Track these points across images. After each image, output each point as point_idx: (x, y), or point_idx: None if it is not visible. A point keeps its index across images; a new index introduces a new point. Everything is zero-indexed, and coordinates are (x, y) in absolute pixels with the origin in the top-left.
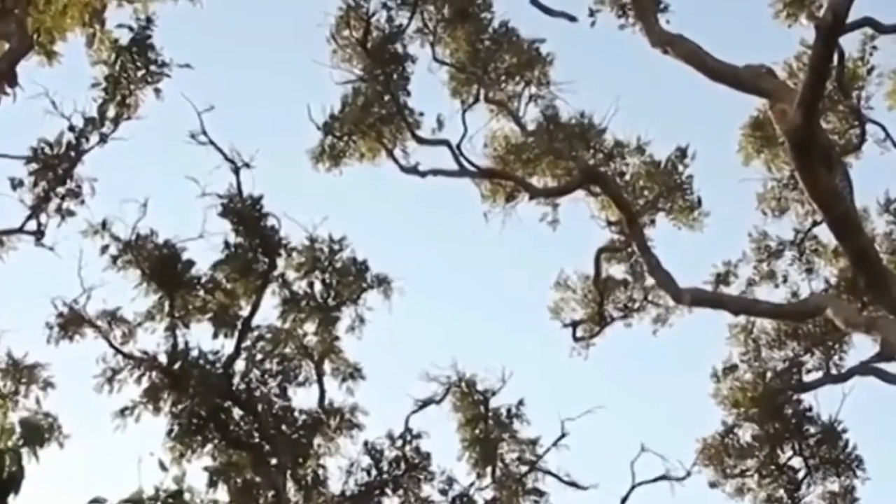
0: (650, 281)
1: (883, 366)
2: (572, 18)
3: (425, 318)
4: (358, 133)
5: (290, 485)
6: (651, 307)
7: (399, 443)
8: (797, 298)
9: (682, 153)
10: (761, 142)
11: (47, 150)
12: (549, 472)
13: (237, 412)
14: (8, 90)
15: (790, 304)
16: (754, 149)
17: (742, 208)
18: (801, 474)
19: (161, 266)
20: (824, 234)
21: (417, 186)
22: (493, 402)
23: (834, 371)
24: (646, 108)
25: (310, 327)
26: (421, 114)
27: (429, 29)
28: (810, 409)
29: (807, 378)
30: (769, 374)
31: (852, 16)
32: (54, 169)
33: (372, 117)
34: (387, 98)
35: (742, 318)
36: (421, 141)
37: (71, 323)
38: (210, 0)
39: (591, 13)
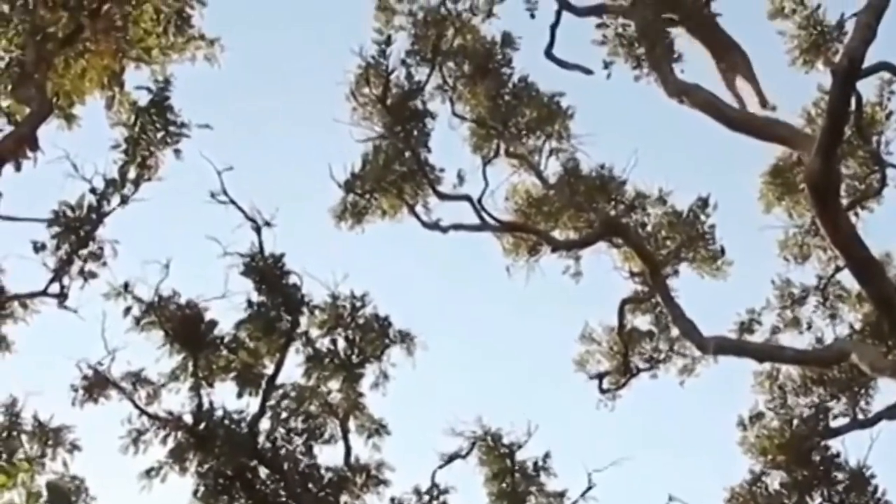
0: (675, 331)
1: None
2: (588, 71)
3: (449, 372)
4: (379, 190)
5: None
6: (676, 357)
7: (426, 498)
8: (822, 344)
9: (703, 203)
10: (782, 189)
11: (69, 212)
12: None
13: (263, 471)
14: (29, 154)
15: (815, 350)
16: (775, 196)
17: (764, 256)
18: None
19: (184, 326)
20: (847, 279)
21: (439, 241)
22: (520, 456)
23: (861, 416)
24: (666, 158)
25: (334, 384)
26: (441, 170)
27: (448, 85)
28: (838, 455)
29: (834, 424)
30: (796, 421)
31: (869, 60)
32: (76, 231)
33: (393, 174)
34: (407, 154)
35: (767, 366)
36: (442, 196)
37: (96, 385)
38: (228, 60)
39: (606, 66)
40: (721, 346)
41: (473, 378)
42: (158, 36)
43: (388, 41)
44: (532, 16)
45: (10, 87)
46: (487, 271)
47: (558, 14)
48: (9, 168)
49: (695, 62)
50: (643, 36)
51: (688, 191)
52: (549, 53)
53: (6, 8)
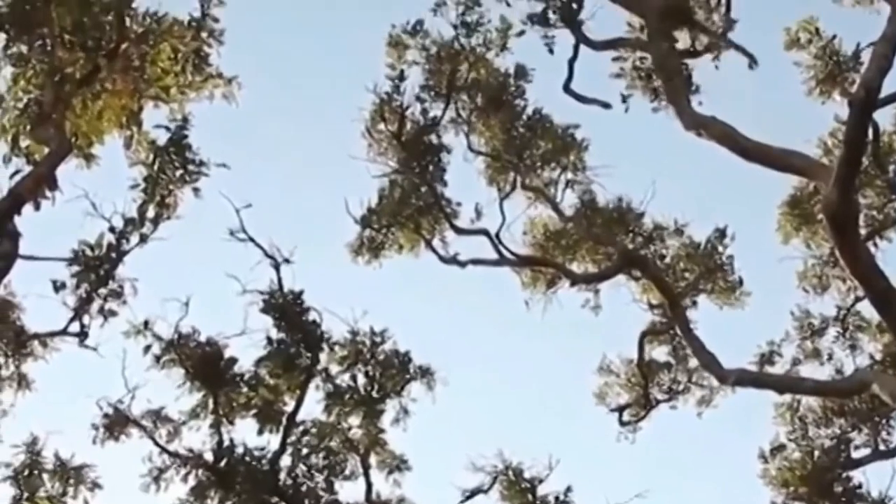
0: (694, 362)
1: None
2: (606, 105)
3: (470, 407)
4: (396, 225)
5: None
6: (696, 388)
7: None
8: (842, 375)
9: (721, 234)
10: (800, 219)
11: (88, 251)
12: None
13: None
14: (48, 194)
15: (835, 381)
16: (793, 227)
17: (784, 287)
18: None
19: (204, 364)
20: (867, 309)
21: (457, 276)
22: (541, 490)
23: (882, 447)
24: (683, 189)
25: (354, 420)
26: (458, 204)
27: (462, 118)
28: (860, 486)
29: (855, 455)
30: (817, 453)
31: (885, 90)
32: (96, 270)
33: (409, 209)
34: (424, 189)
35: (788, 397)
36: (459, 231)
37: (116, 423)
38: (245, 98)
39: (624, 99)
40: (741, 378)
41: (494, 412)
42: (176, 75)
43: (402, 77)
44: (550, 51)
45: (29, 128)
46: (506, 305)
47: (576, 48)
48: (28, 208)
49: (712, 93)
50: (660, 69)
51: (706, 222)
52: (567, 88)
53: (24, 49)
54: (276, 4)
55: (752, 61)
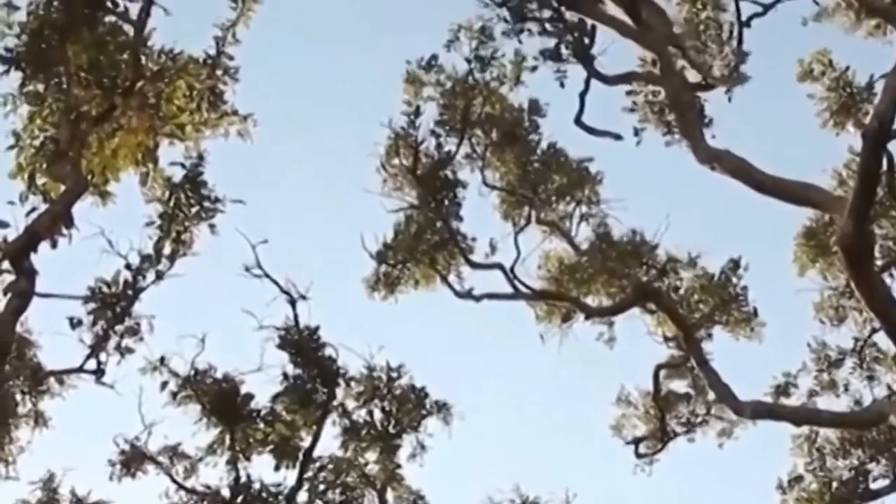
0: (712, 395)
1: None
2: (618, 137)
3: (486, 442)
4: (412, 260)
5: None
6: (714, 421)
7: None
8: (860, 406)
9: (735, 265)
10: (815, 251)
11: (105, 289)
12: None
13: None
14: (65, 231)
15: (853, 412)
16: (809, 258)
17: (800, 319)
18: None
19: (221, 400)
20: (884, 341)
21: (473, 310)
22: None
23: None
24: (697, 222)
25: (371, 456)
26: (473, 239)
27: (477, 153)
28: None
29: (874, 486)
30: (835, 484)
31: None
32: (112, 307)
33: (425, 244)
34: (439, 224)
35: (805, 429)
36: (475, 266)
37: (133, 460)
38: (260, 133)
39: (636, 132)
40: (758, 411)
41: (511, 447)
42: (191, 112)
43: (417, 112)
44: (562, 85)
45: (45, 166)
46: (522, 339)
47: (587, 82)
48: (45, 245)
49: (725, 126)
50: (673, 103)
51: (721, 254)
52: (578, 121)
53: (40, 87)
54: (291, 40)
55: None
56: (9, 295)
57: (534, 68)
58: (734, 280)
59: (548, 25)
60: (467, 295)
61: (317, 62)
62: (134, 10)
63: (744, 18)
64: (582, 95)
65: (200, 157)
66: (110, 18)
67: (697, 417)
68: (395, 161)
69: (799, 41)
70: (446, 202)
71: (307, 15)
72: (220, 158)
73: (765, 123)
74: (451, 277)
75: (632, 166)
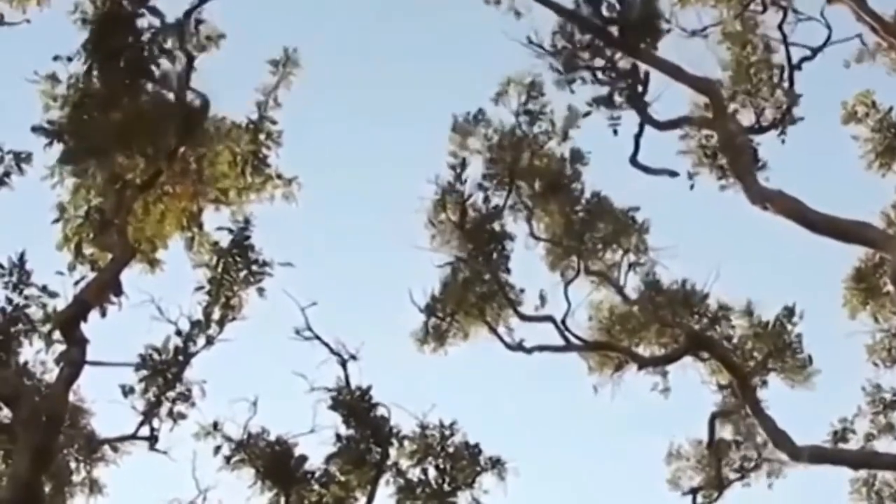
0: (761, 438)
1: None
2: (673, 174)
3: (542, 496)
4: (460, 313)
5: None
6: (766, 464)
7: None
8: None
9: (789, 312)
10: (865, 294)
11: (155, 355)
12: None
13: None
14: (113, 299)
15: None
16: (859, 301)
17: (852, 362)
18: None
19: (274, 463)
20: None
21: (524, 363)
22: None
23: None
24: (746, 267)
25: None
26: (522, 290)
27: (522, 204)
28: None
29: None
30: None
31: None
32: (163, 374)
33: (473, 296)
34: (487, 277)
35: (864, 473)
36: (524, 318)
37: None
38: (306, 193)
39: (690, 177)
40: (815, 455)
41: (566, 500)
42: (235, 177)
43: (464, 166)
44: (615, 132)
45: (91, 235)
46: (574, 391)
47: (641, 126)
48: (94, 314)
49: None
50: (726, 147)
51: (771, 299)
52: (634, 161)
53: (84, 158)
54: (335, 97)
55: None
56: (61, 364)
57: (586, 114)
58: (788, 327)
59: (599, 73)
60: (518, 347)
61: (362, 118)
62: (173, 77)
63: (794, 61)
64: (637, 137)
65: (247, 222)
66: (151, 86)
67: (751, 462)
68: (443, 216)
69: (841, 84)
70: (494, 255)
71: (351, 69)
72: (267, 221)
73: (812, 165)
74: (501, 330)
75: (680, 214)
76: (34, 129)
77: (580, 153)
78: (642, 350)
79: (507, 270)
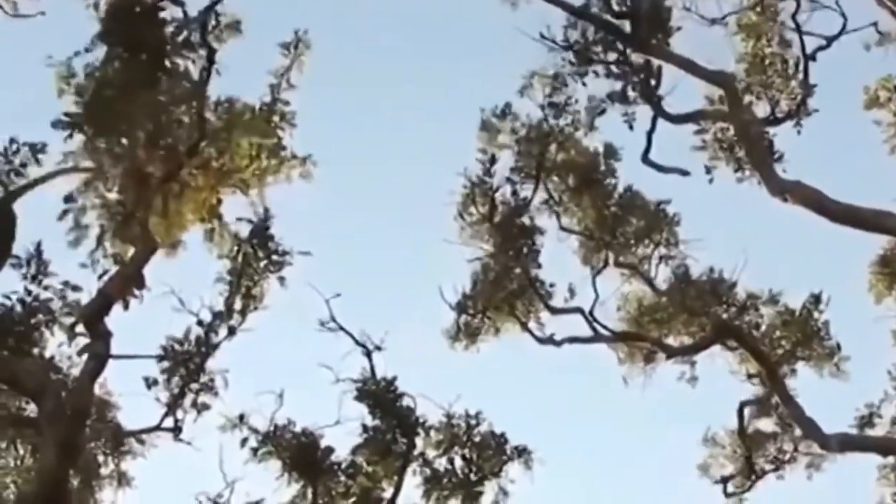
0: (798, 431)
1: None
2: (685, 173)
3: (570, 486)
4: (491, 310)
5: None
6: (801, 457)
7: None
8: None
9: (816, 300)
10: (891, 279)
11: (178, 346)
12: None
13: None
14: (136, 292)
15: None
16: (884, 286)
17: (879, 347)
18: None
19: (301, 455)
20: None
21: (552, 355)
22: None
23: None
24: (774, 256)
25: None
26: (552, 284)
27: (554, 199)
28: None
29: None
30: None
31: None
32: (186, 365)
33: (504, 292)
34: (517, 271)
35: (891, 459)
36: (554, 311)
37: None
38: (334, 185)
39: (708, 170)
40: (844, 443)
41: (595, 490)
42: (252, 161)
43: (493, 160)
44: (630, 127)
45: (113, 228)
46: (603, 382)
47: (654, 121)
48: (117, 307)
49: (795, 160)
50: (742, 138)
51: (795, 288)
52: (645, 158)
53: (102, 150)
54: (365, 92)
55: None
56: (85, 357)
57: (602, 111)
58: (815, 315)
59: (613, 68)
60: (549, 341)
61: (390, 114)
62: (193, 69)
63: (808, 52)
64: (649, 134)
65: (267, 210)
66: (169, 78)
67: (785, 454)
68: (472, 210)
69: (863, 69)
70: (524, 249)
71: (380, 65)
72: (291, 212)
73: (832, 153)
74: (531, 324)
75: (705, 204)
76: (54, 125)
77: (613, 148)
78: (671, 340)
79: (538, 264)
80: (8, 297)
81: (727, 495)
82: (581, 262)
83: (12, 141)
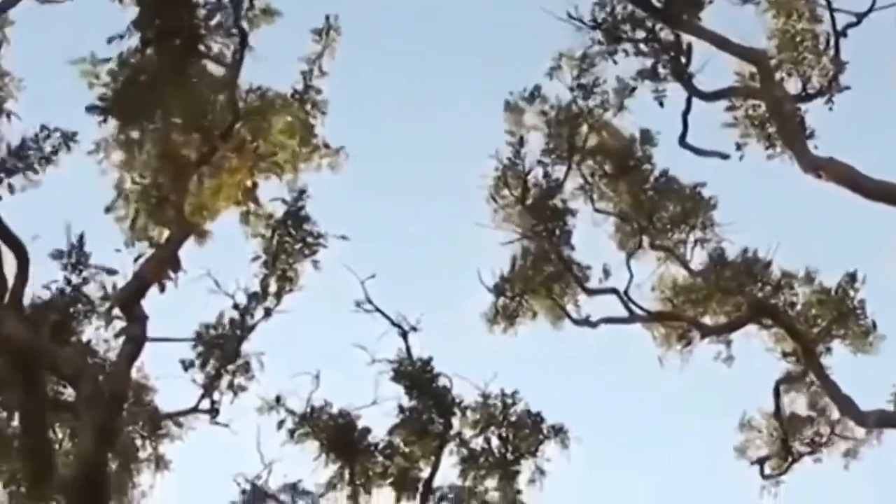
0: (835, 415)
1: None
2: (724, 156)
3: (607, 465)
4: (529, 293)
5: None
6: (839, 441)
7: None
8: None
9: (851, 278)
10: None
11: (213, 329)
12: None
13: None
14: (172, 275)
15: None
16: None
17: None
18: None
19: (338, 435)
20: None
21: (588, 335)
22: None
23: None
24: (808, 235)
25: (491, 483)
26: (588, 267)
27: (589, 184)
28: None
29: None
30: None
31: None
32: (222, 347)
33: (541, 275)
34: (553, 255)
35: None
36: (590, 292)
37: (255, 499)
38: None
39: (738, 147)
40: (881, 419)
41: (632, 470)
42: (285, 147)
43: (522, 142)
44: (661, 104)
45: (149, 212)
46: (639, 363)
47: (688, 101)
48: (153, 290)
49: (827, 137)
50: (774, 114)
51: (834, 265)
52: (683, 142)
53: (137, 135)
54: (395, 78)
55: None
56: (122, 340)
57: (632, 90)
58: (851, 293)
59: (642, 46)
60: (585, 322)
61: (422, 96)
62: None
63: (839, 28)
64: (684, 115)
65: (301, 192)
66: (203, 63)
67: (822, 437)
68: (504, 192)
69: (893, 44)
70: (557, 231)
71: (410, 49)
72: (325, 197)
73: (864, 130)
74: (569, 306)
75: (738, 183)
76: (88, 109)
77: (649, 134)
78: (707, 320)
79: (571, 246)
80: (48, 288)
81: (764, 477)
82: (617, 247)
83: (43, 128)
